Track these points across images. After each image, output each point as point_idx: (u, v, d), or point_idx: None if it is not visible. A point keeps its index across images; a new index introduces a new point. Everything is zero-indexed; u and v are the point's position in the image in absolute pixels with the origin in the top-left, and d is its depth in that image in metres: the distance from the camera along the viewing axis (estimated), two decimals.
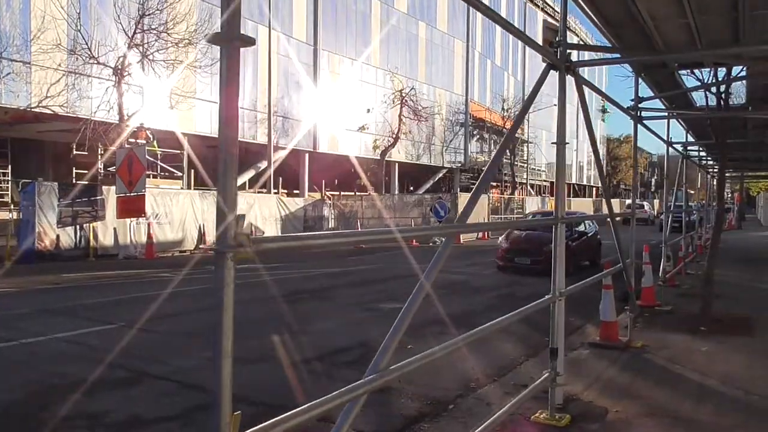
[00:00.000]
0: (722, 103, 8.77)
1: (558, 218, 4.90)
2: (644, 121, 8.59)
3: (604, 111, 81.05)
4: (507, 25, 3.91)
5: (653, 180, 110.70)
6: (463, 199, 26.45)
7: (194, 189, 23.52)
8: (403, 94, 32.32)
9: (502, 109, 47.38)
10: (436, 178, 44.10)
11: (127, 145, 19.65)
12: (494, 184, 51.35)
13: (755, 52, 6.56)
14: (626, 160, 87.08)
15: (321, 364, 6.78)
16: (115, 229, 17.75)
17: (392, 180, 39.39)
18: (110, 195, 17.27)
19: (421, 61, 41.08)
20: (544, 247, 14.34)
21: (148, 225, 17.43)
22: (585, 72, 54.52)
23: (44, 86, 19.12)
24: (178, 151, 23.10)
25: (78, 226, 16.88)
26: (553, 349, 4.88)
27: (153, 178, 22.47)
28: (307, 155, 32.44)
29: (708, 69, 8.36)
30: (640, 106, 7.86)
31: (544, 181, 60.11)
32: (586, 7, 6.07)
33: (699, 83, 8.95)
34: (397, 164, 38.83)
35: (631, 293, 7.62)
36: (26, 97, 18.82)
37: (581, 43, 40.17)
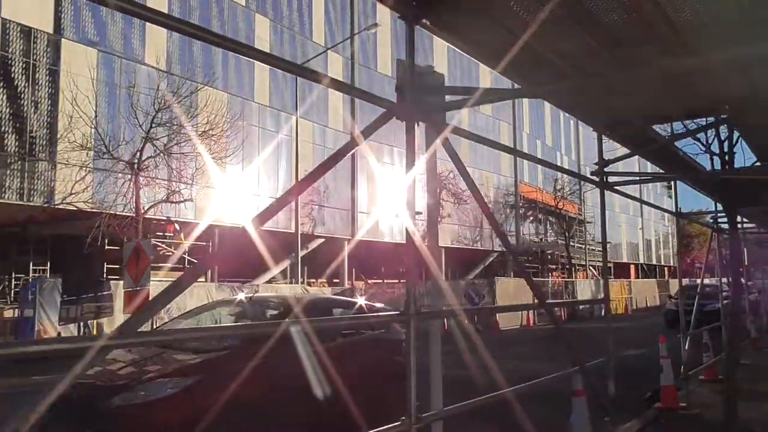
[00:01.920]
0: (725, 162, 7.52)
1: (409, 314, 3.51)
2: (617, 187, 7.41)
3: (669, 187, 78.07)
4: None
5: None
6: (501, 284, 25.00)
7: (218, 282, 23.13)
8: (441, 178, 31.65)
9: (554, 189, 46.00)
10: (487, 263, 42.59)
11: (153, 240, 19.57)
12: (554, 267, 49.51)
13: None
14: (699, 236, 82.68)
15: None
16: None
17: (439, 265, 38.16)
18: (118, 290, 17.00)
19: (464, 145, 40.63)
20: None
21: (151, 322, 16.95)
22: None
23: (69, 183, 19.46)
24: (204, 243, 22.93)
25: (82, 323, 16.59)
26: None
27: (178, 271, 22.26)
28: (345, 242, 31.91)
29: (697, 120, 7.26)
30: (607, 170, 6.74)
31: (608, 262, 57.29)
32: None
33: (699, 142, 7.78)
34: (443, 250, 37.76)
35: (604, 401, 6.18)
36: (48, 194, 19.18)
37: None
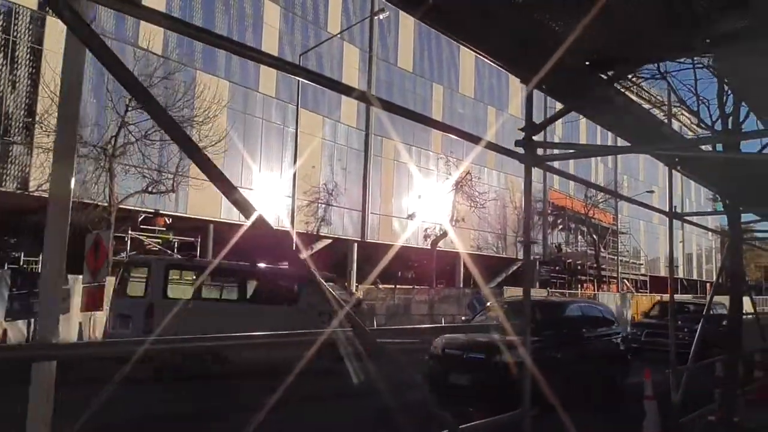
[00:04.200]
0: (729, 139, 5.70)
1: None
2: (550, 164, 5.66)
3: (715, 200, 74.44)
4: None
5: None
6: (513, 292, 23.05)
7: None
8: (459, 179, 29.85)
9: (585, 196, 43.51)
10: (510, 272, 40.43)
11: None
12: (583, 277, 47.01)
13: None
14: (746, 252, 78.53)
15: None
16: (80, 323, 16.09)
17: (457, 272, 36.33)
18: (76, 285, 15.74)
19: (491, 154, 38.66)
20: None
21: (106, 320, 15.51)
22: None
23: (46, 170, 18.32)
24: (193, 239, 21.63)
25: (34, 319, 15.35)
26: None
27: None
28: (355, 245, 30.32)
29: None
30: (537, 139, 5.04)
31: (642, 275, 54.47)
32: None
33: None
34: (462, 256, 35.86)
35: None
36: (23, 180, 18.09)
37: None
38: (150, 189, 18.68)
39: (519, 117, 40.94)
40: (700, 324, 9.99)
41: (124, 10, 2.71)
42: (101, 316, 15.25)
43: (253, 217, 2.75)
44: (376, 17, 26.30)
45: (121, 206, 18.34)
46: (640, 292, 49.25)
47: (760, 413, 9.86)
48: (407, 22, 31.31)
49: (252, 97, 25.36)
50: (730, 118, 6.29)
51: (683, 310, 19.05)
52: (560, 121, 6.63)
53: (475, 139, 5.09)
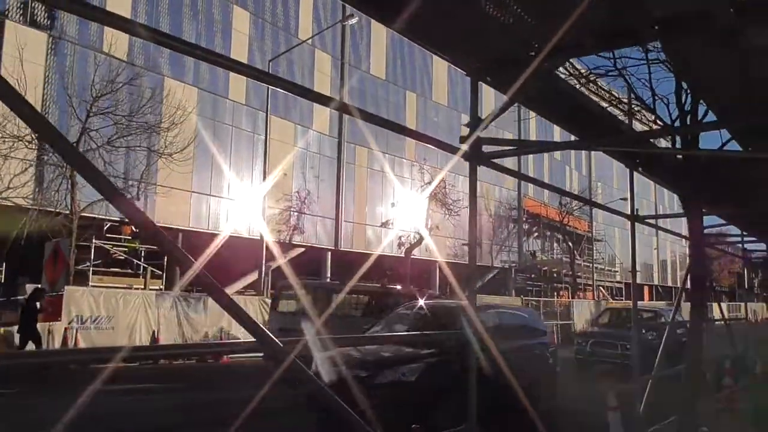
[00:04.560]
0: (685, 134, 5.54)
1: None
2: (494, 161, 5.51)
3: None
4: None
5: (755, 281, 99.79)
6: (480, 301, 22.87)
7: (180, 291, 21.35)
8: (432, 187, 29.64)
9: (560, 203, 43.66)
10: (485, 279, 40.34)
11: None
12: (560, 285, 47.09)
13: None
14: (719, 259, 79.19)
15: None
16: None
17: (433, 280, 36.16)
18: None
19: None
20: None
21: (65, 331, 14.92)
22: None
23: (6, 177, 17.81)
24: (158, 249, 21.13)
25: None
26: None
27: (132, 277, 20.59)
28: (329, 253, 30.02)
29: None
30: (481, 136, 4.88)
31: (618, 282, 54.76)
32: None
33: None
34: (437, 263, 35.71)
35: None
36: None
37: None
38: None
39: (492, 125, 41.03)
40: (666, 332, 9.75)
41: (88, 15, 2.67)
42: (59, 327, 14.76)
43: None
44: (346, 23, 26.08)
45: (84, 214, 17.89)
46: (617, 299, 49.49)
47: (727, 421, 9.74)
48: (379, 30, 31.22)
49: (221, 103, 25.02)
50: (689, 116, 6.16)
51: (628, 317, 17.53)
52: (513, 121, 6.44)
53: (417, 135, 4.91)
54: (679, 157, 6.81)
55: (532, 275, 43.89)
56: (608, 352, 15.41)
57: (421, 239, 28.95)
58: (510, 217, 42.69)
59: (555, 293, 45.52)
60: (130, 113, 17.37)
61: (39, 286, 15.33)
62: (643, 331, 14.70)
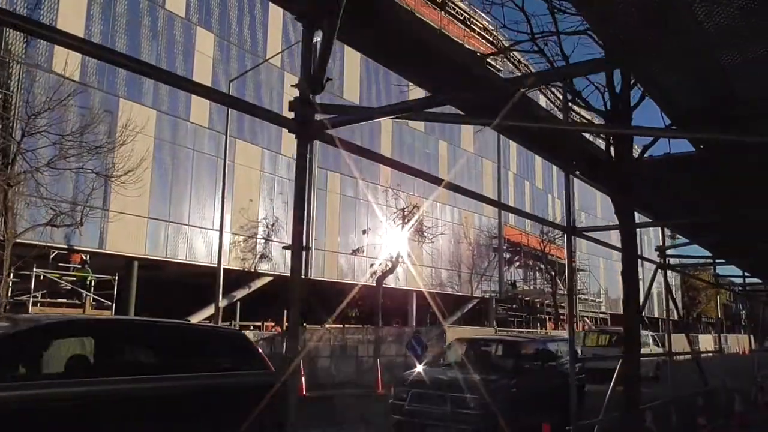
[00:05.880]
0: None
1: None
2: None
3: (673, 237, 74.52)
4: None
5: (743, 313, 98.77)
6: (453, 333, 21.77)
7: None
8: (405, 212, 28.73)
9: (541, 232, 42.76)
10: (465, 310, 39.19)
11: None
12: (544, 316, 45.97)
13: None
14: (705, 290, 78.29)
15: None
16: None
17: (410, 310, 34.96)
18: None
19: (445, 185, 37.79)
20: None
21: None
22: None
23: None
24: (110, 277, 19.97)
25: None
26: None
27: (80, 308, 19.31)
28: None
29: None
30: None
31: (603, 313, 53.72)
32: None
33: None
34: (414, 293, 34.55)
35: None
36: None
37: None
38: (55, 222, 17.08)
39: (471, 152, 40.49)
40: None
41: (40, 35, 2.65)
42: None
43: None
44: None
45: (24, 241, 16.73)
46: (585, 330, 48.41)
47: None
48: (353, 52, 30.57)
49: (182, 126, 24.05)
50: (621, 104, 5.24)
51: (485, 352, 12.89)
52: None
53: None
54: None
55: (514, 305, 42.83)
56: (436, 411, 9.90)
57: (393, 267, 27.90)
58: (491, 246, 41.72)
59: (539, 324, 44.39)
60: (71, 133, 16.33)
61: None
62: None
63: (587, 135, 6.07)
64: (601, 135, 6.33)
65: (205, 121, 24.92)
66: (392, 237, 29.39)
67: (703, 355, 18.80)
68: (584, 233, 8.11)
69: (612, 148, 5.77)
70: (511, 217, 43.46)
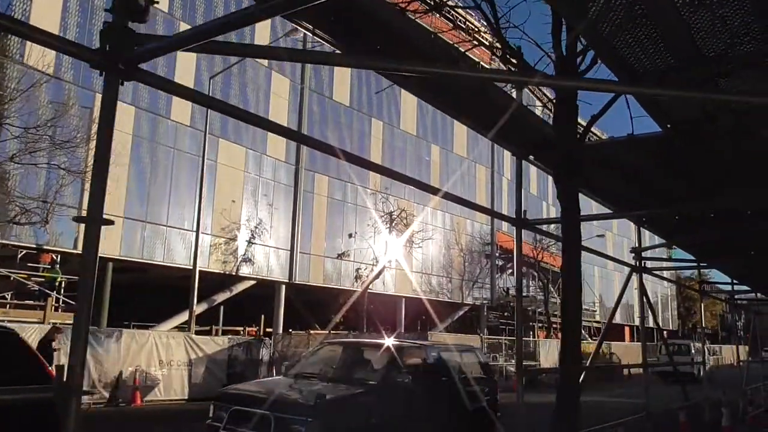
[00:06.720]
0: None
1: None
2: None
3: (670, 247, 73.86)
4: None
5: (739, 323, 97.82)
6: (434, 340, 21.03)
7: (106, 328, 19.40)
8: (393, 217, 28.07)
9: (534, 239, 42.09)
10: (456, 317, 38.47)
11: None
12: (535, 324, 45.27)
13: None
14: (700, 300, 77.58)
15: None
16: None
17: (398, 316, 34.21)
18: None
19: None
20: None
21: None
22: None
23: None
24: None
25: None
26: None
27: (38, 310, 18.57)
28: (283, 286, 28.10)
29: None
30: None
31: (597, 322, 53.02)
32: None
33: None
34: (404, 299, 33.82)
35: None
36: None
37: None
38: (18, 220, 16.40)
39: (464, 155, 39.83)
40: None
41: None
42: None
43: None
44: (289, 37, 24.61)
45: None
46: (594, 339, 47.64)
47: None
48: None
49: (162, 124, 23.38)
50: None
51: (355, 360, 9.74)
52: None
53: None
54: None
55: (505, 313, 42.12)
56: None
57: (380, 272, 27.22)
58: (483, 253, 41.05)
59: (531, 332, 43.69)
60: (36, 126, 15.66)
61: None
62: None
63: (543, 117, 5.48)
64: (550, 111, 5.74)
65: (187, 120, 24.25)
66: (380, 241, 28.72)
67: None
68: (535, 225, 7.53)
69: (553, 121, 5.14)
70: (504, 224, 42.78)
